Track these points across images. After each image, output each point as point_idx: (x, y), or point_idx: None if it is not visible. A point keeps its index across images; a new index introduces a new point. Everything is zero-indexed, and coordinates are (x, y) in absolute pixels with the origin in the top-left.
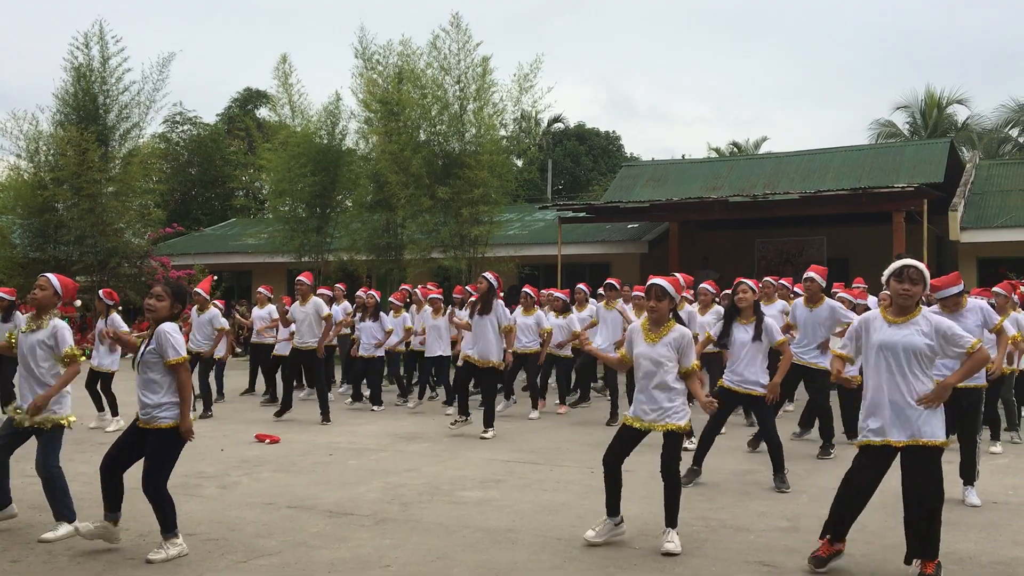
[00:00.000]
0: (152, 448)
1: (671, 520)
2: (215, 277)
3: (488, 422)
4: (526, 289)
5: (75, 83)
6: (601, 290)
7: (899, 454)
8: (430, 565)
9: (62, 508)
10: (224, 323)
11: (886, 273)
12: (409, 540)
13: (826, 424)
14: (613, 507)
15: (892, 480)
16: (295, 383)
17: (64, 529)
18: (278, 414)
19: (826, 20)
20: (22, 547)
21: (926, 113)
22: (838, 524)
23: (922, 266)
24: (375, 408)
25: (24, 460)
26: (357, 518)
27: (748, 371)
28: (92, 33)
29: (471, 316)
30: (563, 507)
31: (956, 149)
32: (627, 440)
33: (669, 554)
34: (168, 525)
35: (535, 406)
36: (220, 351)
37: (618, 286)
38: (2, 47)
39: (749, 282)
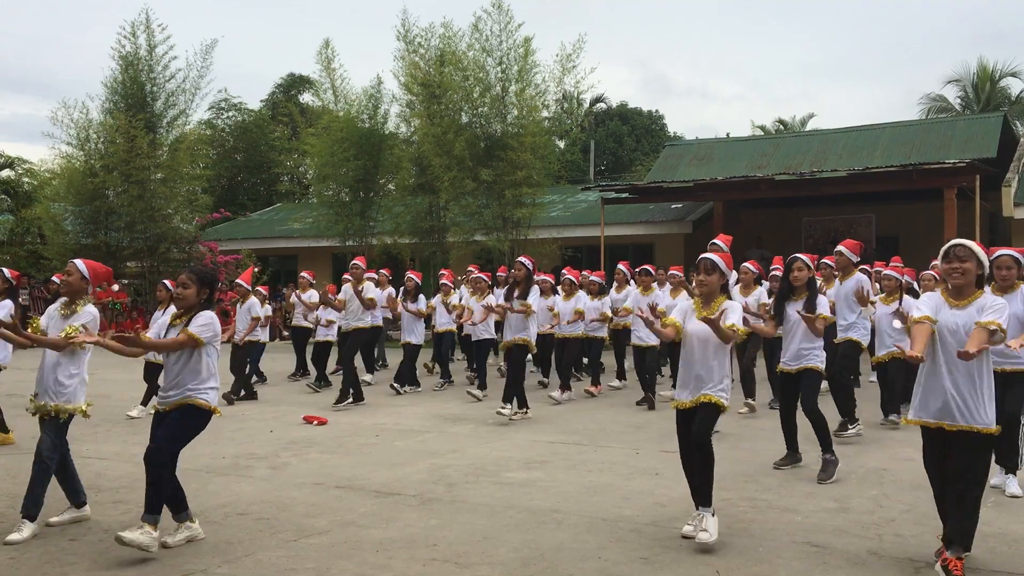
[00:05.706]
0: (175, 419)
1: (704, 499)
2: (255, 268)
3: (509, 398)
4: (567, 274)
5: (123, 71)
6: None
7: (949, 437)
8: (476, 545)
9: (79, 491)
10: (260, 312)
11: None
12: (455, 520)
13: (845, 401)
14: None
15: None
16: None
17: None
18: (352, 401)
19: None
20: (78, 527)
21: (978, 87)
22: (942, 518)
23: (970, 243)
24: (406, 389)
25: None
26: (404, 498)
27: (802, 347)
28: (139, 22)
29: (508, 301)
30: (608, 488)
31: (1010, 123)
32: (688, 425)
33: (702, 545)
34: (153, 507)
35: (568, 388)
36: (262, 336)
37: (653, 271)
38: (46, 37)
39: (805, 258)
